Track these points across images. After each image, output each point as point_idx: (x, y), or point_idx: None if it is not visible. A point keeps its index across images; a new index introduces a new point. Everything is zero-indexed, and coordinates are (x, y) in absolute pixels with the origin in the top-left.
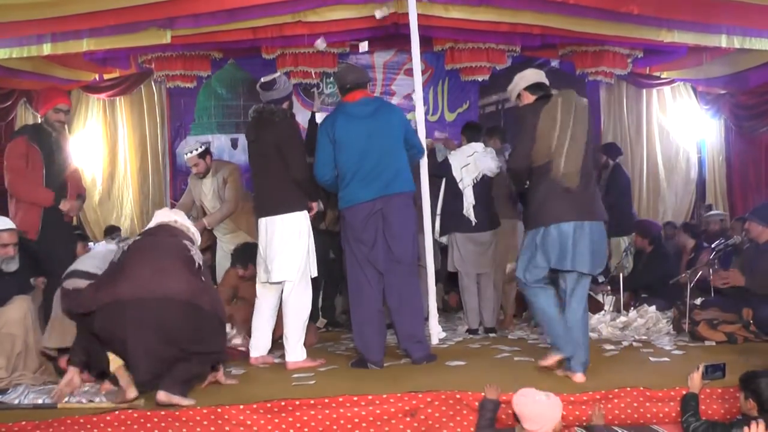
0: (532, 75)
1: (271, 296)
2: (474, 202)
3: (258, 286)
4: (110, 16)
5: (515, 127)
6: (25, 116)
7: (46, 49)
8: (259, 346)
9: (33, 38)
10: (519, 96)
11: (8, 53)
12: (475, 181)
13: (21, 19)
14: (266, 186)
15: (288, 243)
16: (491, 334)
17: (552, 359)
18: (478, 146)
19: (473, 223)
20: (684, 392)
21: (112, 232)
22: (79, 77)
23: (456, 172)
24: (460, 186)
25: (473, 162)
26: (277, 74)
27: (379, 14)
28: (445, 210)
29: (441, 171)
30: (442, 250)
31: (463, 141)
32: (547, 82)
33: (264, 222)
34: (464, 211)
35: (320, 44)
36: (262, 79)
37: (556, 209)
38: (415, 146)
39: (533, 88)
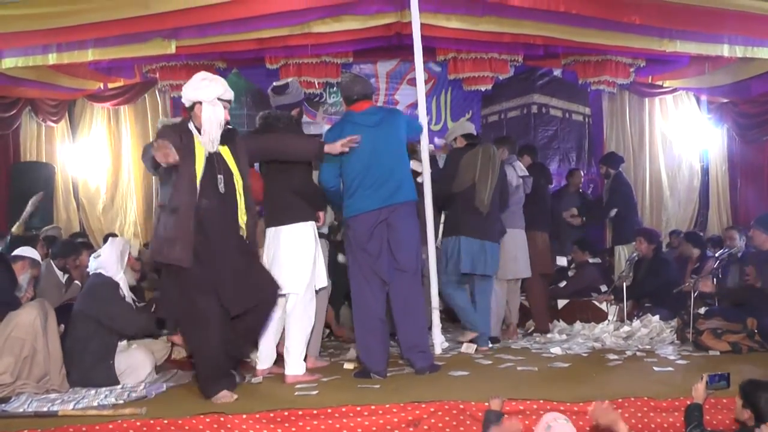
0: (468, 126)
1: (278, 307)
2: None
3: None
4: (116, 27)
5: (446, 160)
6: (30, 125)
7: (52, 58)
8: (266, 357)
9: (39, 48)
10: (455, 139)
11: (14, 62)
12: None
13: (27, 29)
14: (272, 195)
15: (293, 255)
16: (493, 345)
17: (470, 335)
18: None
19: None
20: (688, 402)
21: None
22: (84, 86)
23: None
24: None
25: None
26: (290, 79)
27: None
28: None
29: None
30: None
31: (503, 153)
32: (475, 134)
33: (272, 232)
34: None
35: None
36: (274, 84)
37: (470, 226)
38: (413, 128)
39: (466, 136)
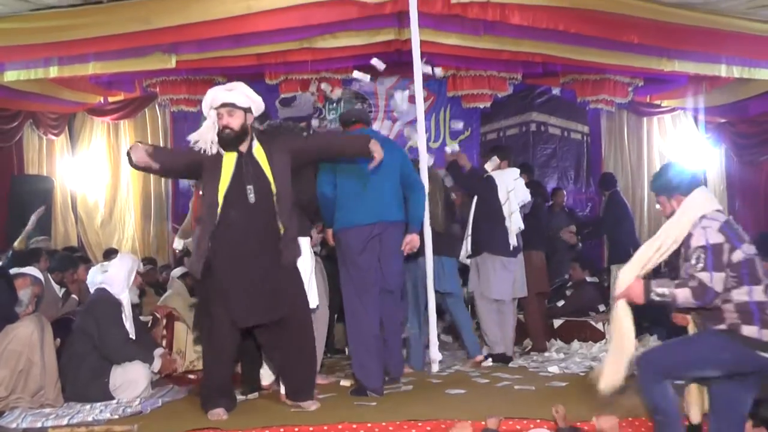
0: None
1: None
2: (522, 227)
3: None
4: (116, 41)
5: None
6: (31, 138)
7: (53, 71)
8: (267, 374)
9: (40, 61)
10: None
11: (17, 75)
12: (520, 205)
13: (29, 42)
14: None
15: None
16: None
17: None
18: (517, 171)
19: (511, 248)
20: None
21: (110, 254)
22: (85, 100)
23: (502, 194)
24: (506, 209)
25: (520, 186)
26: (299, 93)
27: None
28: (480, 230)
29: (481, 189)
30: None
31: (503, 164)
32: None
33: None
34: (508, 236)
35: (377, 64)
36: (282, 95)
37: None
38: (415, 185)
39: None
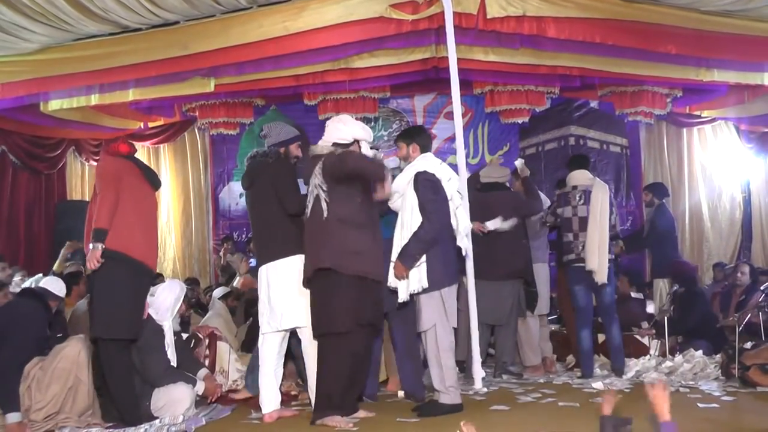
0: None
1: (277, 345)
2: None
3: (261, 338)
4: (156, 67)
5: None
6: (74, 164)
7: (95, 99)
8: (271, 400)
9: (83, 89)
10: None
11: (60, 104)
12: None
13: (72, 71)
14: (265, 232)
15: (295, 287)
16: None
17: None
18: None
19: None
20: None
21: (154, 278)
22: (125, 126)
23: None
24: (452, 207)
25: (448, 171)
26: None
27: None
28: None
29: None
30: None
31: (412, 149)
32: None
33: (265, 269)
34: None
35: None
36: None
37: None
38: None
39: None
